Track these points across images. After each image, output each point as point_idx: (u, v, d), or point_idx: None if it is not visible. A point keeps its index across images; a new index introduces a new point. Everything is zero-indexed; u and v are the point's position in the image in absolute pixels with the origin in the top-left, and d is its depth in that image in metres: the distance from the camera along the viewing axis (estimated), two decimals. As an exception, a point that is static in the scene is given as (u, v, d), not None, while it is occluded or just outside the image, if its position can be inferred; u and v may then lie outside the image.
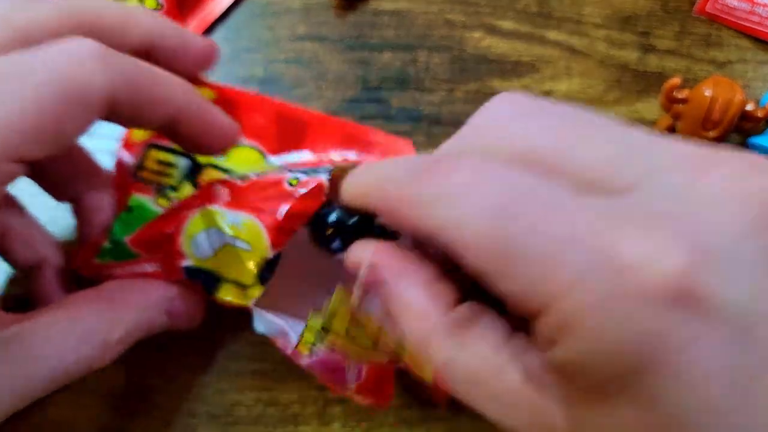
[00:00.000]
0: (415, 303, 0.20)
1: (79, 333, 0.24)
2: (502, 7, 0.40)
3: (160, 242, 0.28)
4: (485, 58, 0.40)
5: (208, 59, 0.29)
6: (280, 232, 0.27)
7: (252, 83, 0.39)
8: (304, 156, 0.32)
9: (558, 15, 0.41)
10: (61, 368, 0.23)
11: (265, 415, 0.33)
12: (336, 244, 0.25)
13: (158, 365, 0.33)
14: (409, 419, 0.33)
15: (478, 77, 0.39)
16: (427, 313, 0.19)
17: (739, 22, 0.40)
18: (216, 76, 0.40)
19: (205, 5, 0.41)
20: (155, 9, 0.39)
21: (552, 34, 0.40)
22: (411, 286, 0.20)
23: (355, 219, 0.25)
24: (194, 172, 0.30)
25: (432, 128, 0.38)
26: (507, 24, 0.40)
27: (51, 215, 0.31)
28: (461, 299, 0.20)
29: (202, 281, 0.27)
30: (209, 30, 0.40)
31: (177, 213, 0.28)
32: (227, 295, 0.27)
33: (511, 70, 0.39)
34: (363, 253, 0.22)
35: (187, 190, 0.30)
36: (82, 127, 0.22)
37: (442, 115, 0.38)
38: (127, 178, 0.30)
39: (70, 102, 0.20)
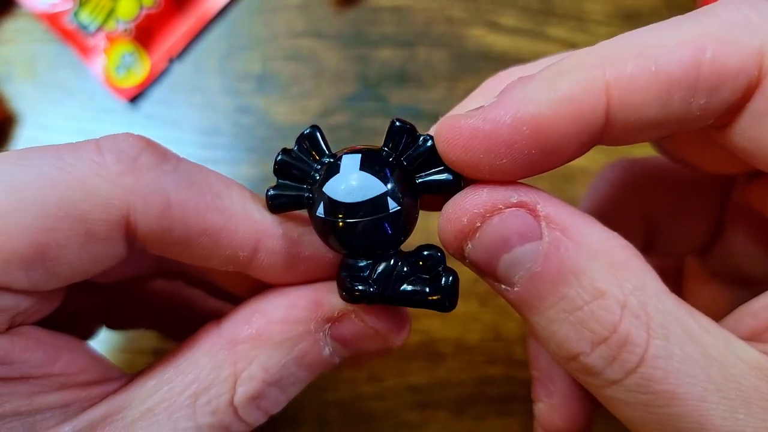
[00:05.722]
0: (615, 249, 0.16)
1: (181, 405, 0.17)
2: (503, 3, 0.40)
3: None
4: (486, 54, 0.39)
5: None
6: None
7: (249, 80, 0.39)
8: None
9: (559, 11, 0.40)
10: None
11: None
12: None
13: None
14: (408, 422, 0.33)
15: (478, 74, 0.39)
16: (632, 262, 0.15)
17: (743, 18, 0.40)
18: (213, 73, 0.40)
19: (203, 2, 0.40)
20: (151, 6, 0.39)
21: (553, 31, 0.40)
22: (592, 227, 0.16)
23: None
24: None
25: (432, 125, 0.38)
26: (508, 20, 0.40)
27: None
28: None
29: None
30: (206, 27, 0.40)
31: None
32: None
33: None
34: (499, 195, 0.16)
35: None
36: (96, 258, 0.16)
37: (443, 112, 0.38)
38: None
39: (63, 220, 0.15)
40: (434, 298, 0.17)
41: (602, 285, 0.15)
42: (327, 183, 0.17)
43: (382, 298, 0.17)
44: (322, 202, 0.17)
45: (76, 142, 0.17)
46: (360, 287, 0.17)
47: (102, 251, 0.16)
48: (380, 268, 0.17)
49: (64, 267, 0.16)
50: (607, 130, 0.15)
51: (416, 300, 0.17)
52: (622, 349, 0.15)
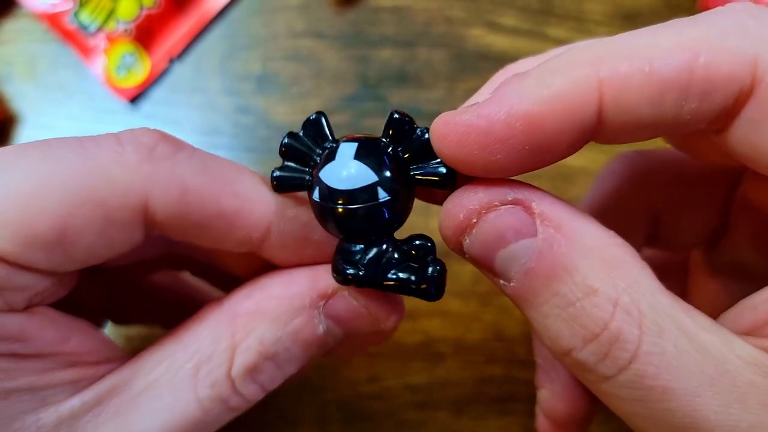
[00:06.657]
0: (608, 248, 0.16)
1: (184, 377, 0.18)
2: (503, 3, 0.40)
3: None
4: (486, 54, 0.39)
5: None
6: None
7: (249, 81, 0.39)
8: None
9: (559, 12, 0.40)
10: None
11: (262, 416, 0.32)
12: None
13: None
14: (407, 422, 0.33)
15: (478, 74, 0.39)
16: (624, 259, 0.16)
17: (742, 18, 0.40)
18: (213, 74, 0.40)
19: (203, 2, 0.40)
20: (151, 6, 0.39)
21: (553, 31, 0.40)
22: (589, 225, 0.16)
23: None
24: None
25: (432, 126, 0.38)
26: (508, 20, 0.40)
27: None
28: None
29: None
30: (207, 27, 0.40)
31: None
32: None
33: (512, 67, 0.39)
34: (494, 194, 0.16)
35: None
36: (113, 242, 0.17)
37: (443, 112, 0.38)
38: None
39: (83, 206, 0.16)
40: (421, 286, 0.17)
41: (594, 282, 0.15)
42: (323, 168, 0.17)
43: (371, 282, 0.18)
44: (318, 187, 0.17)
45: (97, 135, 0.18)
46: (350, 270, 0.17)
47: (119, 236, 0.17)
48: (371, 254, 0.18)
49: (81, 250, 0.17)
50: (599, 129, 0.15)
51: (403, 286, 0.17)
52: (613, 345, 0.15)
